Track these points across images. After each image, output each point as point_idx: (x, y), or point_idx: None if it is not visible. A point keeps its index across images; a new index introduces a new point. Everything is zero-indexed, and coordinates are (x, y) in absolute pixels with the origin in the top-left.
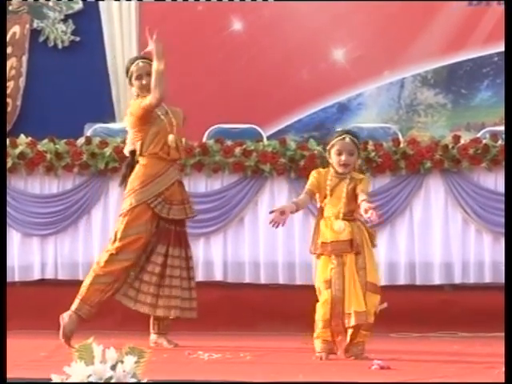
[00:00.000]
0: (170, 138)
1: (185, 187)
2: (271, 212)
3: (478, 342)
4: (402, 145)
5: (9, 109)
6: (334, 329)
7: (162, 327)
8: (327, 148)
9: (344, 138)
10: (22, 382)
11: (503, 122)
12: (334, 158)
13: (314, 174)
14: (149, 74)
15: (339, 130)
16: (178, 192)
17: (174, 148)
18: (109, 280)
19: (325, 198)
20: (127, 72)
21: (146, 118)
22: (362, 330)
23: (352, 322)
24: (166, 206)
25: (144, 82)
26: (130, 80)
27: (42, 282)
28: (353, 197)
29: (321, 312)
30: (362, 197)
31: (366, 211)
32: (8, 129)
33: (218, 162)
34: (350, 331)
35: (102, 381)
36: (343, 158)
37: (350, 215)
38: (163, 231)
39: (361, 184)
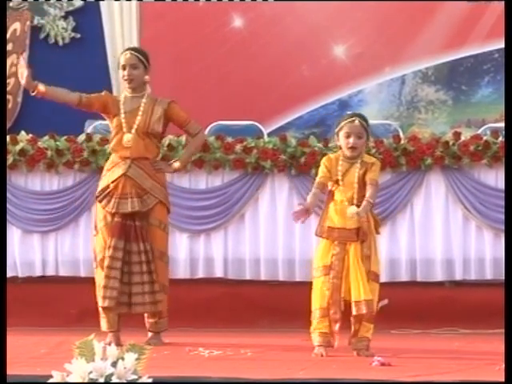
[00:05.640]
0: (125, 138)
1: (141, 182)
2: (299, 204)
3: (479, 339)
4: (402, 141)
5: (9, 106)
6: (332, 317)
7: (150, 326)
8: (335, 130)
9: (353, 120)
10: (23, 380)
11: (504, 118)
12: (342, 141)
13: (324, 163)
14: (133, 67)
15: (348, 113)
16: (126, 186)
17: (128, 148)
18: None
19: (336, 182)
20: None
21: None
22: (365, 321)
23: (363, 309)
24: (113, 201)
25: (126, 73)
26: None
27: (42, 278)
28: (363, 182)
29: (317, 300)
30: (367, 192)
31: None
32: (8, 126)
33: (218, 159)
34: (353, 321)
35: (103, 378)
36: (351, 140)
37: (362, 201)
38: (118, 226)
39: (370, 171)
